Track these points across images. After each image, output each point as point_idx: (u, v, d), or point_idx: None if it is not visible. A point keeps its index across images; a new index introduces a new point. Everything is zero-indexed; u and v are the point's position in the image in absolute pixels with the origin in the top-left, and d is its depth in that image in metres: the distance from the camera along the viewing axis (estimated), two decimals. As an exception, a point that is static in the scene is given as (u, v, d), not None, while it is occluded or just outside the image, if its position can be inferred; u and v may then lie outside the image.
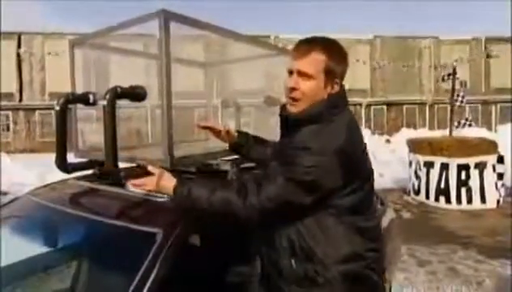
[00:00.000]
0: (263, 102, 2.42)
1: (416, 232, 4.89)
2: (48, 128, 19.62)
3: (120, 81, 1.58)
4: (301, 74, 1.22)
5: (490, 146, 6.35)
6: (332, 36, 1.30)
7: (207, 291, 1.41)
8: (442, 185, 6.32)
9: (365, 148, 1.31)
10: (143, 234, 1.25)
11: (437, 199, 6.40)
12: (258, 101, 2.63)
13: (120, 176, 1.49)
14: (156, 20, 1.51)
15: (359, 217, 1.24)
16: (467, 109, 7.45)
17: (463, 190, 6.20)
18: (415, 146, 7.01)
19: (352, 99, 14.39)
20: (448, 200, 6.28)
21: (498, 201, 6.26)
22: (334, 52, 1.24)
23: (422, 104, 23.29)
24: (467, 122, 7.56)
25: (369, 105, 22.40)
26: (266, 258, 1.34)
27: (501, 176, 6.31)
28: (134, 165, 1.68)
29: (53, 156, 1.62)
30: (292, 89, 1.23)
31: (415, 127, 19.01)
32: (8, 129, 20.69)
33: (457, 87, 7.26)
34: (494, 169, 6.23)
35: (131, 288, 1.09)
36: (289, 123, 1.29)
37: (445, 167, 6.30)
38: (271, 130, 2.00)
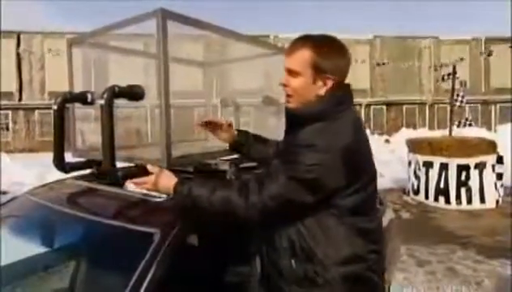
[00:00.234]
0: (262, 102, 2.42)
1: (415, 232, 4.89)
2: (47, 127, 19.60)
3: (120, 81, 1.57)
4: (289, 71, 1.24)
5: (490, 146, 6.35)
6: (332, 35, 1.28)
7: (206, 291, 1.40)
8: (442, 185, 6.32)
9: (370, 147, 1.29)
10: (141, 234, 1.24)
11: (436, 199, 6.40)
12: (257, 101, 2.63)
13: (118, 175, 1.48)
14: (154, 19, 1.51)
15: (361, 218, 1.23)
16: (467, 109, 7.46)
17: (463, 190, 6.19)
18: (414, 146, 7.01)
19: (351, 99, 14.27)
20: (447, 200, 6.28)
21: (497, 201, 6.26)
22: (323, 47, 1.21)
23: (422, 104, 23.30)
24: (467, 122, 7.57)
25: (368, 105, 22.40)
26: (266, 258, 1.33)
27: (500, 176, 6.31)
28: (132, 164, 1.68)
29: (52, 156, 1.62)
30: (284, 86, 1.27)
31: (414, 127, 19.03)
32: (8, 128, 20.69)
33: (457, 86, 7.26)
34: (494, 170, 6.23)
35: (128, 288, 1.09)
36: (293, 121, 1.27)
37: (444, 167, 6.30)
38: (271, 130, 2.00)
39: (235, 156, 1.87)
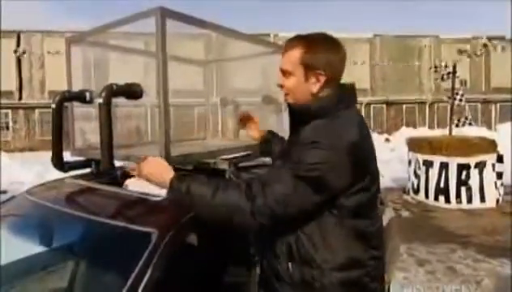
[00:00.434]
0: (261, 101, 2.41)
1: (415, 231, 4.88)
2: (47, 127, 19.58)
3: (120, 80, 1.56)
4: (283, 71, 1.25)
5: (490, 145, 6.35)
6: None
7: None
8: (442, 184, 6.31)
9: (374, 148, 1.27)
10: (139, 234, 1.24)
11: (436, 199, 6.39)
12: (257, 100, 2.62)
13: (116, 174, 1.48)
14: (153, 18, 1.50)
15: (362, 221, 1.20)
16: (467, 108, 7.40)
17: (463, 189, 6.19)
18: (414, 145, 7.00)
19: (351, 98, 14.29)
20: (447, 199, 6.27)
21: (498, 200, 6.26)
22: (313, 45, 1.21)
23: (422, 103, 23.29)
24: (467, 121, 7.55)
25: (368, 104, 22.39)
26: (264, 260, 1.31)
27: (500, 175, 6.31)
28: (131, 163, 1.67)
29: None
30: (280, 87, 1.28)
31: (414, 126, 19.03)
32: (7, 128, 20.68)
33: (457, 85, 7.25)
34: (494, 169, 6.23)
35: (126, 287, 1.08)
36: (296, 119, 1.26)
37: (444, 166, 6.29)
38: (271, 129, 1.99)
39: (234, 155, 1.86)
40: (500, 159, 6.30)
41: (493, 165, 6.22)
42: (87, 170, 1.82)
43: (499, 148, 6.39)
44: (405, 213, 5.98)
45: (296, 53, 1.21)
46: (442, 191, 6.31)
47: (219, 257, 1.47)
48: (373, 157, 1.26)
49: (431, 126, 20.42)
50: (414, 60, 21.47)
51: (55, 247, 1.64)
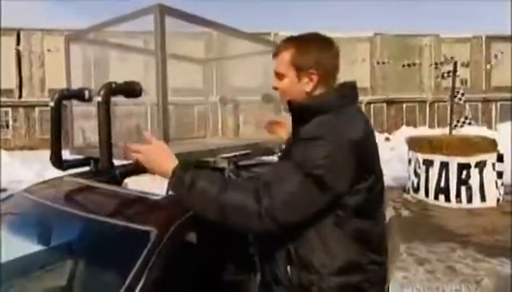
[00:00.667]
0: (261, 99, 2.41)
1: (415, 230, 4.88)
2: (47, 125, 19.29)
3: (120, 78, 1.55)
4: (276, 74, 1.27)
5: (490, 144, 6.34)
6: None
7: (202, 291, 1.39)
8: (442, 183, 6.31)
9: (377, 147, 1.24)
10: (137, 233, 1.23)
11: (436, 198, 6.39)
12: (257, 99, 2.61)
13: (115, 173, 1.47)
14: (152, 15, 1.49)
15: (365, 221, 1.17)
16: (467, 107, 7.38)
17: (463, 188, 6.19)
18: (414, 144, 7.00)
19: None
20: (447, 199, 6.27)
21: (498, 200, 6.26)
22: (302, 45, 1.22)
23: (422, 102, 23.28)
24: (467, 121, 7.54)
25: (368, 103, 22.38)
26: (263, 263, 1.29)
27: (500, 174, 6.30)
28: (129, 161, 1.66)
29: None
30: (276, 89, 1.29)
31: (415, 125, 19.03)
32: (7, 126, 20.68)
33: (457, 84, 7.24)
34: (494, 168, 6.22)
35: (124, 286, 1.08)
36: (297, 117, 1.25)
37: (444, 165, 6.29)
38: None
39: (233, 154, 1.86)
40: (500, 158, 6.29)
41: (494, 165, 6.22)
42: (86, 169, 1.82)
43: (499, 148, 6.38)
44: (405, 212, 5.98)
45: (286, 56, 1.22)
46: (442, 191, 6.31)
47: (219, 256, 1.47)
48: (377, 155, 1.24)
49: (431, 126, 20.42)
50: (414, 59, 21.40)
51: (53, 246, 1.64)
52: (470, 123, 7.60)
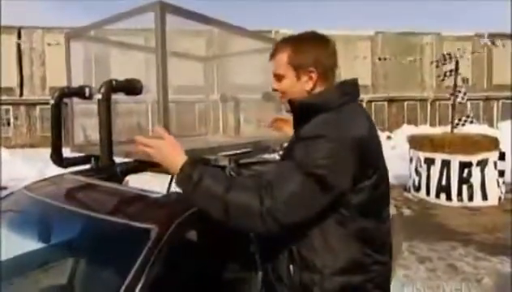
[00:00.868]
0: (262, 98, 2.40)
1: (416, 229, 4.87)
2: (48, 123, 19.35)
3: (121, 76, 1.55)
4: (275, 75, 1.26)
5: (491, 143, 6.33)
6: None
7: (202, 289, 1.39)
8: (443, 182, 6.30)
9: (381, 145, 1.22)
10: (138, 231, 1.22)
11: (437, 196, 6.38)
12: (257, 97, 2.60)
13: (116, 171, 1.47)
14: (153, 13, 1.48)
15: (370, 220, 1.15)
16: (469, 105, 7.36)
17: (465, 187, 6.18)
18: (416, 142, 6.99)
19: (353, 95, 14.32)
20: (449, 197, 6.26)
21: (500, 198, 6.25)
22: (299, 44, 1.22)
23: (423, 100, 23.23)
24: (469, 119, 7.51)
25: (370, 102, 22.34)
26: (266, 262, 1.29)
27: (502, 173, 6.29)
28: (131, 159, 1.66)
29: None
30: (275, 90, 1.29)
31: (416, 124, 19.00)
32: (9, 124, 20.70)
33: (458, 83, 7.22)
34: (496, 166, 6.21)
35: (125, 284, 1.07)
36: (298, 116, 1.24)
37: (446, 164, 6.28)
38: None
39: (234, 152, 1.85)
40: (502, 157, 6.28)
41: (495, 163, 6.21)
42: (87, 166, 1.81)
43: (501, 146, 6.37)
44: (406, 211, 5.97)
45: (283, 56, 1.22)
46: (444, 189, 6.30)
47: (219, 254, 1.46)
48: (381, 152, 1.22)
49: (433, 124, 20.38)
50: (416, 57, 21.34)
51: (54, 244, 1.64)
52: (471, 122, 7.57)
